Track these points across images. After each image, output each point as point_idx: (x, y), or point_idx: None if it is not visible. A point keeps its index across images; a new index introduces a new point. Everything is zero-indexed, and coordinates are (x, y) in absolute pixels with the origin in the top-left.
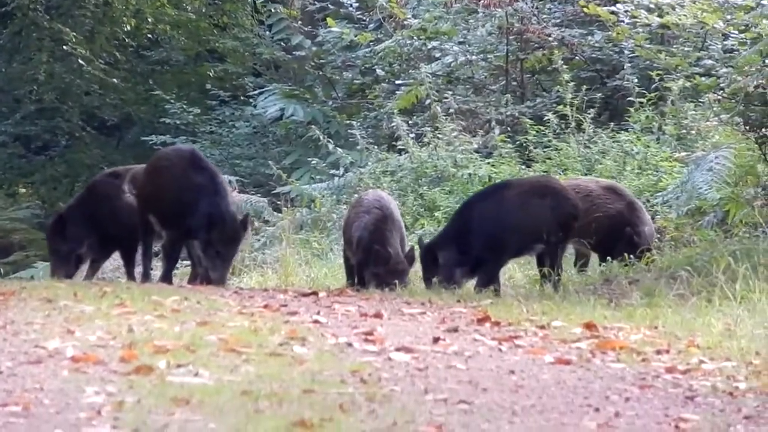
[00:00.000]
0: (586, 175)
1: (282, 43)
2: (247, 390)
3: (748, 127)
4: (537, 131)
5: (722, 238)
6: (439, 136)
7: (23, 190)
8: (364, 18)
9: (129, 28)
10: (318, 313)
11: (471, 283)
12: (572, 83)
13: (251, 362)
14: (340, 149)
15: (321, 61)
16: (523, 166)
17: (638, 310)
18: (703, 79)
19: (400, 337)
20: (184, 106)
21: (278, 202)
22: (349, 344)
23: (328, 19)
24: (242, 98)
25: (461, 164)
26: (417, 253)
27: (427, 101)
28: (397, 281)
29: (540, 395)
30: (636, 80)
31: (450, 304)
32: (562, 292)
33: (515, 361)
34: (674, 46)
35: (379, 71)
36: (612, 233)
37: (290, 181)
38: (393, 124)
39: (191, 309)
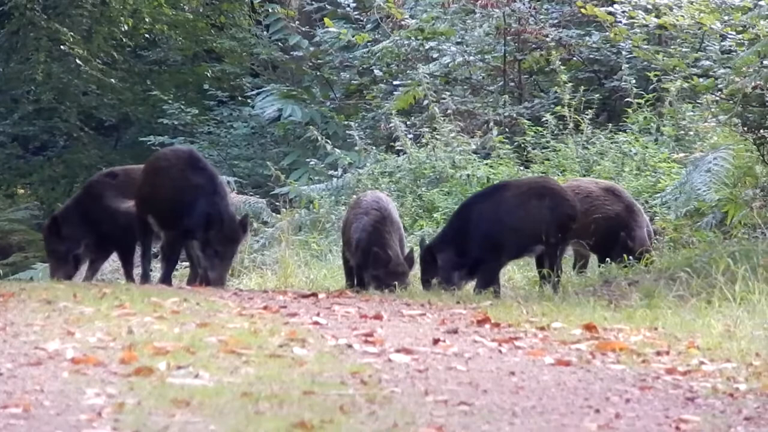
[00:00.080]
0: (584, 176)
1: (279, 44)
2: (248, 391)
3: (746, 128)
4: (535, 132)
5: (721, 239)
6: (437, 136)
7: (21, 191)
8: (362, 18)
9: (126, 27)
10: (318, 314)
11: (471, 285)
12: (570, 84)
13: (251, 364)
14: (338, 150)
15: (319, 61)
16: (522, 167)
17: (638, 311)
18: (700, 80)
19: (400, 338)
20: (182, 107)
21: (277, 203)
22: (349, 346)
23: (326, 20)
24: (240, 99)
25: (459, 165)
26: (417, 254)
27: (425, 102)
28: (396, 283)
29: (540, 396)
30: (634, 81)
31: (450, 305)
32: (561, 293)
33: (515, 363)
34: (672, 46)
35: (376, 72)
36: (610, 235)
37: (288, 182)
38: (391, 125)
39: (191, 310)
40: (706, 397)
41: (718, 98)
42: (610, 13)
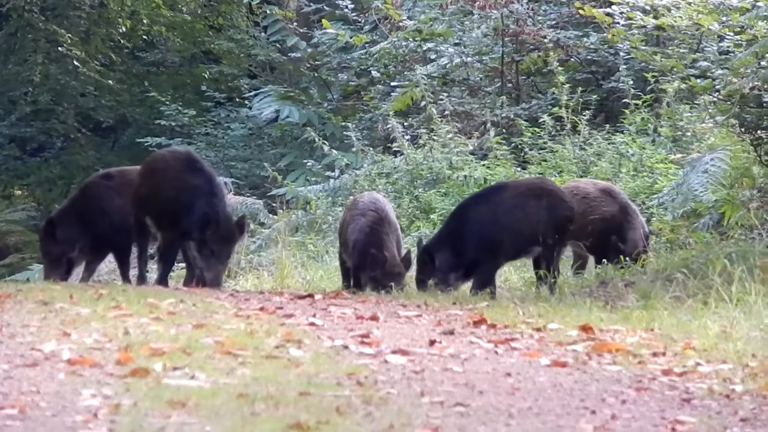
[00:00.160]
0: (581, 176)
1: (277, 45)
2: (244, 393)
3: (743, 129)
4: (532, 133)
5: (718, 240)
6: (435, 137)
7: (19, 192)
8: (360, 19)
9: (124, 29)
10: (314, 315)
11: (467, 286)
12: (567, 85)
13: (247, 365)
14: (335, 151)
15: (316, 62)
16: (519, 168)
17: (634, 312)
18: (698, 80)
19: (397, 339)
20: (180, 108)
21: (274, 204)
22: (346, 347)
23: (324, 21)
24: (237, 100)
25: (457, 166)
26: (414, 255)
27: (423, 103)
28: (393, 284)
29: (536, 398)
30: (631, 82)
31: (446, 306)
32: (558, 294)
33: (511, 364)
34: (669, 47)
35: (374, 73)
36: (605, 236)
37: (285, 183)
38: (388, 126)
39: (187, 312)
40: (702, 398)
41: (715, 99)
42: (607, 14)
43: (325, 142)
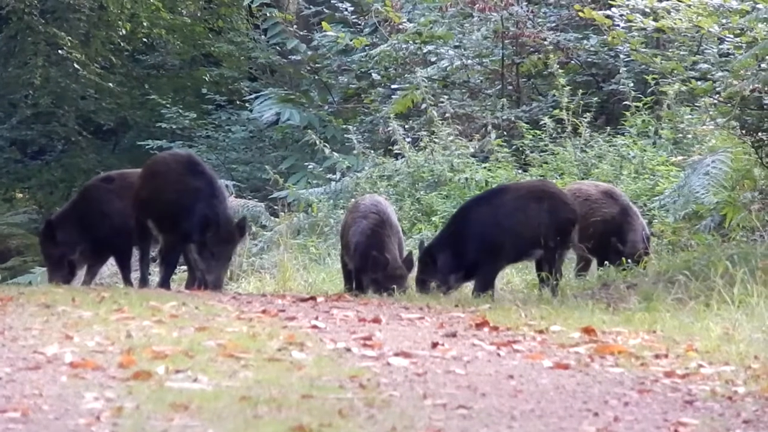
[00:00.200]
0: (582, 179)
1: (277, 48)
2: (246, 395)
3: (744, 131)
4: (533, 135)
5: (720, 242)
6: (436, 140)
7: (20, 195)
8: (360, 22)
9: (124, 32)
10: (316, 318)
11: (469, 289)
12: (568, 87)
13: (250, 367)
14: (336, 154)
15: (317, 65)
16: (520, 171)
17: (636, 314)
18: (698, 83)
19: (399, 342)
20: (180, 111)
21: (275, 207)
22: (348, 349)
23: (324, 24)
24: (238, 103)
25: (458, 169)
26: (416, 257)
27: (423, 105)
28: (395, 286)
29: (539, 400)
30: (632, 84)
31: (448, 309)
32: (560, 296)
33: (514, 366)
34: (670, 50)
35: (374, 75)
36: (605, 237)
37: (287, 186)
38: (389, 129)
39: (189, 314)
40: (704, 400)
41: (716, 101)
42: (608, 17)
43: (326, 144)
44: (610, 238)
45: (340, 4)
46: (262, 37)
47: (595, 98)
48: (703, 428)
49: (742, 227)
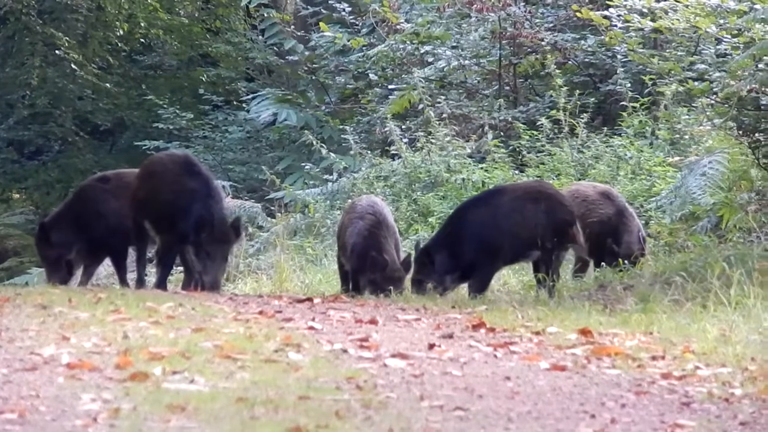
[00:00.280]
0: (579, 179)
1: (275, 48)
2: (243, 397)
3: (741, 132)
4: (530, 136)
5: (716, 243)
6: (433, 141)
7: (17, 196)
8: (357, 22)
9: (122, 32)
10: (313, 319)
11: (466, 290)
12: (565, 88)
13: (246, 369)
14: (333, 154)
15: (314, 65)
16: (517, 171)
17: (633, 315)
18: (696, 83)
19: (396, 343)
20: (177, 111)
21: (272, 208)
22: (345, 351)
23: (321, 24)
24: (235, 103)
25: (455, 169)
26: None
27: (420, 106)
28: (392, 288)
29: (535, 402)
30: (629, 85)
31: (445, 310)
32: (557, 298)
33: (511, 368)
34: (667, 50)
35: (372, 76)
36: (601, 239)
37: (284, 187)
38: (386, 129)
39: (186, 315)
40: (701, 402)
41: (713, 102)
42: (605, 17)
43: (323, 145)
44: (605, 239)
45: (337, 5)
46: (260, 37)
47: (592, 99)
48: (700, 430)
49: (738, 228)
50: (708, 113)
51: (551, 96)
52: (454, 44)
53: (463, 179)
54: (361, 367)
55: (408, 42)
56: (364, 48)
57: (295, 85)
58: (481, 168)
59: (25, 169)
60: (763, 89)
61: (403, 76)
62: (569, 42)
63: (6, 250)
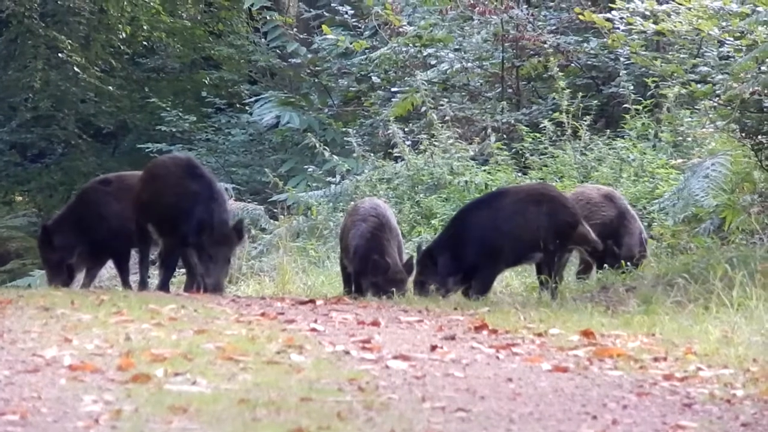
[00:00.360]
0: (582, 182)
1: (277, 51)
2: (245, 398)
3: (744, 134)
4: (533, 138)
5: (719, 245)
6: (435, 143)
7: (19, 198)
8: (360, 25)
9: (124, 35)
10: (315, 321)
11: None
12: (568, 90)
13: (249, 370)
14: (336, 157)
15: (317, 68)
16: (520, 174)
17: (635, 317)
18: (698, 86)
19: (398, 345)
20: (180, 114)
21: (275, 210)
22: (347, 352)
23: (324, 27)
24: (238, 106)
25: (457, 171)
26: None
27: (423, 108)
28: (394, 290)
29: (538, 403)
30: (632, 87)
31: (447, 312)
32: (559, 299)
33: (513, 369)
34: (670, 53)
35: (374, 78)
36: (602, 240)
37: (286, 189)
38: (389, 132)
39: (188, 317)
40: (703, 403)
41: (716, 104)
42: (607, 20)
43: (326, 147)
44: (606, 240)
45: (340, 8)
46: (262, 40)
47: (595, 101)
48: (702, 431)
49: (741, 230)
50: (711, 116)
51: (554, 98)
52: (457, 47)
53: (466, 181)
54: (363, 369)
55: (410, 45)
56: (366, 51)
57: (297, 87)
58: (484, 170)
59: (28, 171)
60: (765, 92)
61: (405, 78)
62: (572, 45)
63: (9, 253)
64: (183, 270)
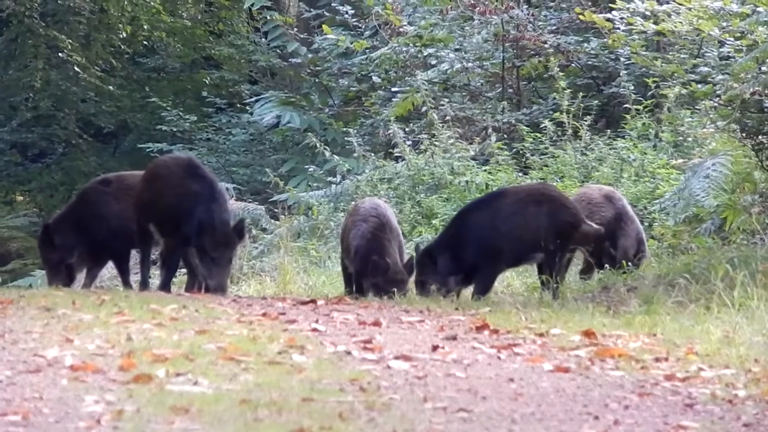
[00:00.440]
0: (583, 182)
1: (278, 51)
2: (246, 399)
3: (744, 134)
4: (533, 138)
5: (720, 245)
6: (436, 143)
7: (20, 198)
8: (360, 25)
9: (125, 35)
10: (316, 321)
11: (469, 291)
12: (568, 90)
13: (250, 371)
14: (336, 157)
15: (317, 68)
16: (520, 174)
17: (637, 317)
18: (699, 86)
19: (399, 345)
20: (181, 114)
21: (275, 210)
22: (348, 352)
23: (324, 27)
24: (238, 105)
25: (458, 171)
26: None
27: (424, 108)
28: (395, 290)
29: (539, 403)
30: (632, 87)
31: (449, 312)
32: (560, 299)
33: (514, 369)
34: (670, 53)
35: (375, 78)
36: (600, 241)
37: (287, 189)
38: (389, 132)
39: (190, 317)
40: (704, 403)
41: (716, 104)
42: (608, 20)
43: (327, 147)
44: (603, 242)
45: (340, 7)
46: (263, 40)
47: (596, 101)
48: (704, 431)
49: (742, 230)
50: (711, 116)
51: (554, 98)
52: (457, 47)
53: (467, 181)
54: (364, 369)
55: (411, 45)
56: (367, 51)
57: (298, 87)
58: (485, 170)
59: (29, 171)
60: (766, 92)
61: (406, 78)
62: (572, 45)
63: (9, 253)
64: (184, 270)
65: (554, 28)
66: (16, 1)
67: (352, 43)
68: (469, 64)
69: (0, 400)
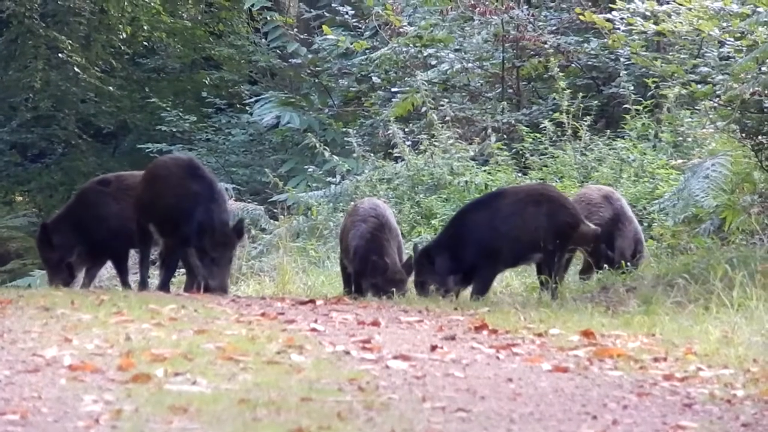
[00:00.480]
0: (582, 182)
1: (278, 51)
2: (245, 398)
3: (744, 134)
4: (533, 139)
5: (719, 245)
6: (436, 143)
7: (20, 198)
8: (360, 25)
9: (125, 35)
10: (315, 321)
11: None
12: (568, 90)
13: (249, 370)
14: (336, 157)
15: (317, 68)
16: (520, 174)
17: (636, 317)
18: (699, 86)
19: (398, 345)
20: (180, 114)
21: (275, 210)
22: (347, 352)
23: (324, 27)
24: (238, 106)
25: (458, 172)
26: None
27: (423, 109)
28: (394, 290)
29: (538, 403)
30: (632, 87)
31: (447, 312)
32: (559, 299)
33: (513, 369)
34: (670, 53)
35: (375, 79)
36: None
37: (287, 189)
38: (389, 132)
39: (188, 317)
40: (703, 403)
41: (716, 105)
42: (608, 20)
43: (326, 147)
44: (600, 243)
45: (340, 8)
46: (263, 40)
47: (596, 101)
48: (702, 431)
49: (741, 230)
50: (711, 116)
51: (554, 99)
52: (457, 47)
53: (466, 182)
54: (363, 369)
55: (411, 45)
56: (367, 51)
57: (298, 88)
58: (484, 171)
59: (28, 171)
60: (766, 92)
61: (406, 79)
62: (572, 45)
63: (9, 253)
64: (183, 270)
65: (554, 28)
66: (16, 1)
67: (352, 44)
68: (469, 65)
69: None
